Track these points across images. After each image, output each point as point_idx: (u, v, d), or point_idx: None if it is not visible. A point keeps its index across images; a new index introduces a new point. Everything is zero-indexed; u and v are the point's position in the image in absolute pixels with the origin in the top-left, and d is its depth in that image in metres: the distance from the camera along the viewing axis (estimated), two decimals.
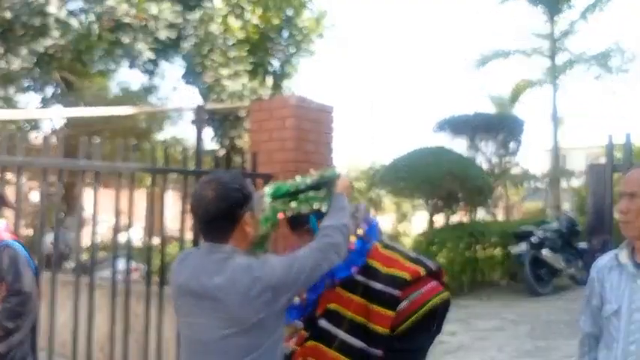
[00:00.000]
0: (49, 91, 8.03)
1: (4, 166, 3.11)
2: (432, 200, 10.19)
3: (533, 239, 9.20)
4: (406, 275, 1.94)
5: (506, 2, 14.56)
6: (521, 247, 9.10)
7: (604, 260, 1.92)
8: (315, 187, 2.06)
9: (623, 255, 1.84)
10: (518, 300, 8.79)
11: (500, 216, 14.54)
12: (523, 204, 17.02)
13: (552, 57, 14.37)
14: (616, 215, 3.46)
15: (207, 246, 1.81)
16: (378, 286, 1.94)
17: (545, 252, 9.20)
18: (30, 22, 5.96)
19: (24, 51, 6.17)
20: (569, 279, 10.06)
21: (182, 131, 9.78)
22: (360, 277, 1.97)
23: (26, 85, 7.80)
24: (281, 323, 1.80)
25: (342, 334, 1.94)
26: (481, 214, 11.98)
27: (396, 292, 1.92)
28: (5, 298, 2.66)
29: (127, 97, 7.96)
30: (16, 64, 6.18)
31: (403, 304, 1.93)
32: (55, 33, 6.04)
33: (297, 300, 1.98)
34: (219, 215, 1.77)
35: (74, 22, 6.09)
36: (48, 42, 6.05)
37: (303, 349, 2.01)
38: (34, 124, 8.62)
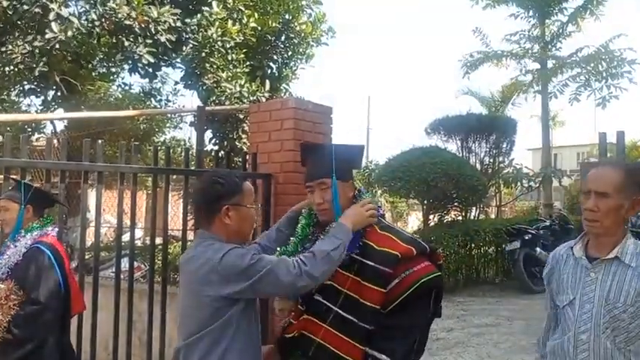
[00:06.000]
0: (50, 94, 7.98)
1: (9, 167, 3.14)
2: (427, 199, 10.25)
3: (527, 237, 9.30)
4: (398, 253, 1.99)
5: (499, 5, 14.65)
6: (515, 245, 9.20)
7: (561, 251, 2.03)
8: None
9: (578, 248, 1.95)
10: (512, 297, 8.86)
11: (494, 214, 14.65)
12: (516, 202, 17.14)
13: (543, 60, 14.48)
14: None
15: (197, 232, 2.05)
16: (370, 263, 1.99)
17: (538, 249, 9.31)
18: (29, 13, 5.84)
19: (22, 45, 6.04)
20: None
21: (183, 133, 9.78)
22: (356, 256, 2.03)
23: (27, 87, 7.75)
24: (236, 314, 1.88)
25: (335, 309, 1.98)
26: (475, 212, 12.06)
27: (388, 270, 1.96)
28: (22, 305, 2.60)
29: (128, 100, 7.94)
30: (14, 58, 6.03)
31: (394, 282, 1.96)
32: (55, 27, 5.91)
33: None
34: (200, 205, 2.00)
35: (74, 20, 6.01)
36: (48, 35, 5.90)
37: (298, 322, 2.07)
38: (36, 127, 8.58)
